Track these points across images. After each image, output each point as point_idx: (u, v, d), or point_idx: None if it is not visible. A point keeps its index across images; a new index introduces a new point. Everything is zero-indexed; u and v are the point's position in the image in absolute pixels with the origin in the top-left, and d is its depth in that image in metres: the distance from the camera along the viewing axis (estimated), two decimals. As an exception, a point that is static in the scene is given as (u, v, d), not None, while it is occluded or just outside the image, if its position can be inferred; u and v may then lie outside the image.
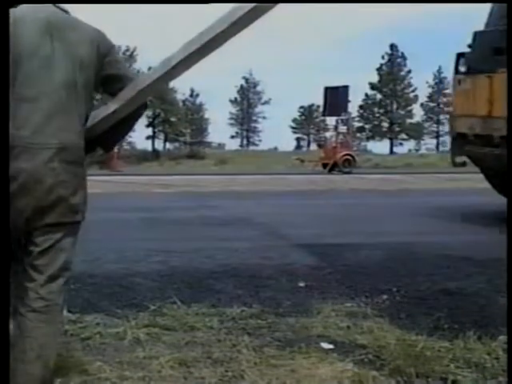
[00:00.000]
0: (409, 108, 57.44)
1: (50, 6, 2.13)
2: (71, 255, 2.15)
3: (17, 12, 2.10)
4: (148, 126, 53.93)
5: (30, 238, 2.09)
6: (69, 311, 2.93)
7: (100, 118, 2.24)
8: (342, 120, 25.25)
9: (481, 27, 7.14)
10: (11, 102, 2.06)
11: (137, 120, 2.37)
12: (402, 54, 56.94)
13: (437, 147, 58.42)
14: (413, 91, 57.00)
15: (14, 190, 2.01)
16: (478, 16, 7.34)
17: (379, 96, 57.16)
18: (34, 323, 2.06)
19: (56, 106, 2.08)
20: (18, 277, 2.12)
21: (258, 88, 62.87)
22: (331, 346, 2.53)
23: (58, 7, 2.15)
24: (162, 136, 54.42)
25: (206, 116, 60.03)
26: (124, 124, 2.30)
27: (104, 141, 2.32)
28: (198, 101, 59.40)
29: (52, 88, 2.08)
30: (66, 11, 2.18)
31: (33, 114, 2.06)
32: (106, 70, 2.19)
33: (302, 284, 3.70)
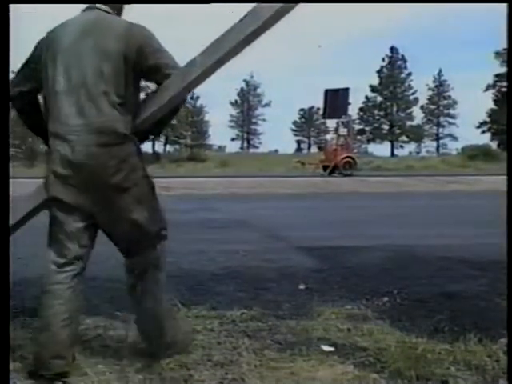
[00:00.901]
0: (409, 110, 57.50)
1: (93, 9, 2.41)
2: (152, 223, 2.37)
3: (68, 20, 2.43)
4: (148, 128, 53.85)
5: (91, 220, 2.33)
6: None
7: (156, 108, 2.39)
8: (342, 122, 25.28)
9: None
10: (48, 95, 2.35)
11: (179, 109, 2.61)
12: (403, 56, 57.02)
13: (437, 149, 58.43)
14: (413, 93, 57.07)
15: (61, 175, 2.28)
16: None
17: (379, 98, 57.24)
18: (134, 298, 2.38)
19: (87, 95, 2.30)
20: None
21: (259, 90, 62.97)
22: (331, 349, 2.53)
23: (101, 9, 2.42)
24: (162, 138, 54.45)
25: (207, 118, 60.05)
26: (170, 112, 2.49)
27: (154, 128, 2.56)
28: (198, 103, 59.44)
29: (82, 80, 2.30)
30: (107, 11, 2.43)
31: (68, 104, 2.30)
32: (145, 61, 2.35)
33: (302, 286, 3.70)
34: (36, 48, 2.46)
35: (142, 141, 2.47)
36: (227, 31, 2.26)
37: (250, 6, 2.20)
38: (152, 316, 2.38)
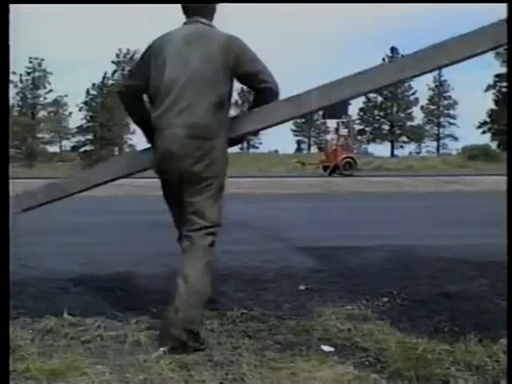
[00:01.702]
0: (409, 111, 57.44)
1: (195, 22, 2.88)
2: (212, 214, 2.86)
3: (172, 30, 2.92)
4: (149, 128, 53.80)
5: (182, 198, 2.82)
6: (69, 314, 2.93)
7: (263, 126, 2.82)
8: (342, 123, 25.29)
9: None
10: (155, 94, 2.82)
11: None
12: (403, 56, 56.84)
13: (437, 150, 58.39)
14: (413, 94, 57.01)
15: (158, 158, 2.81)
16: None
17: (380, 99, 57.17)
18: (182, 259, 2.78)
19: (190, 95, 2.74)
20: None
21: (259, 91, 62.72)
22: (332, 349, 2.53)
23: (203, 22, 2.88)
24: (162, 139, 54.21)
25: (207, 119, 59.83)
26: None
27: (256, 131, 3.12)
28: (198, 104, 59.28)
29: (187, 82, 2.75)
30: (209, 25, 2.91)
31: (171, 102, 2.76)
32: (242, 68, 2.79)
33: (302, 287, 3.69)
34: (145, 52, 2.93)
35: (232, 145, 2.94)
36: (358, 74, 2.39)
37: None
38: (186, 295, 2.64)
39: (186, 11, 2.94)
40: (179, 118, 2.72)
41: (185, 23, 2.92)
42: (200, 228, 2.81)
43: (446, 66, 2.37)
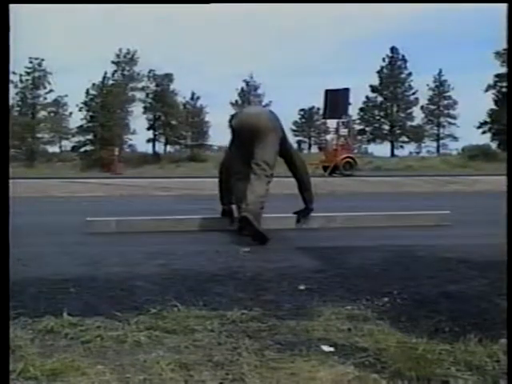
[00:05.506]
0: (409, 111, 57.45)
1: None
2: (270, 159, 5.84)
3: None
4: (149, 128, 53.96)
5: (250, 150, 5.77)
6: (69, 314, 2.93)
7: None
8: (342, 122, 25.29)
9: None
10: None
11: None
12: (403, 56, 56.95)
13: (437, 150, 58.40)
14: (413, 94, 57.03)
15: (240, 123, 5.93)
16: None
17: (380, 99, 57.17)
18: (251, 182, 5.56)
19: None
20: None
21: (259, 91, 62.82)
22: (332, 349, 2.52)
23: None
24: (162, 139, 54.45)
25: (207, 119, 59.88)
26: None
27: None
28: (198, 104, 59.35)
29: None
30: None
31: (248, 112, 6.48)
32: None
33: (302, 287, 3.69)
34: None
35: None
36: None
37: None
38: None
39: None
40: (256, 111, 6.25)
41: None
42: (262, 167, 5.54)
43: None
